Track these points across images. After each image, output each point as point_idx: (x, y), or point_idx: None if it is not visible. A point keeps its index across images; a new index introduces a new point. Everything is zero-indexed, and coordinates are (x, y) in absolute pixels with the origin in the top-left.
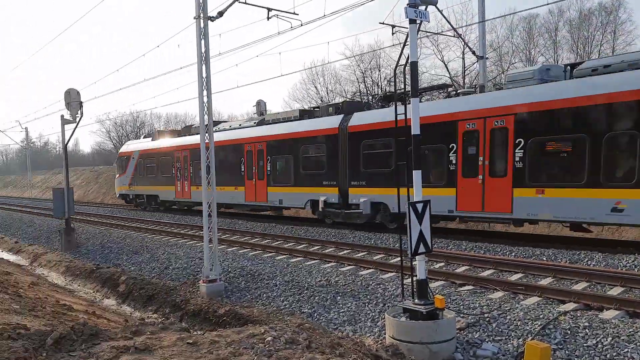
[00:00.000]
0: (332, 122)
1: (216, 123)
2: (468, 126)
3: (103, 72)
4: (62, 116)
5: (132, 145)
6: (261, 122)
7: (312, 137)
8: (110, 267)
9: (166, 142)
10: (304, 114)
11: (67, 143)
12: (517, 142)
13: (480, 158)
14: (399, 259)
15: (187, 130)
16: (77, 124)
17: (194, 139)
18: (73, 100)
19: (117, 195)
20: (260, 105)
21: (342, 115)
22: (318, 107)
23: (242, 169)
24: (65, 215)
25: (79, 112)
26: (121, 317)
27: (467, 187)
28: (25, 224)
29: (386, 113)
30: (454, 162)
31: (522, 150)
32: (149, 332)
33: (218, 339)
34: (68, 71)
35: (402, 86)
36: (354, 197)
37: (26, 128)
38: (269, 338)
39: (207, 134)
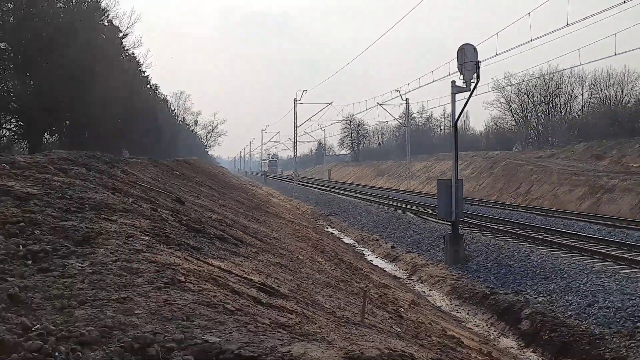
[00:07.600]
0: None
1: None
2: None
3: (504, 18)
4: (453, 82)
5: None
6: None
7: None
8: (509, 293)
9: None
10: None
11: (458, 119)
12: None
13: None
14: None
15: None
16: (472, 92)
17: None
18: (468, 61)
19: None
20: None
21: None
22: None
23: None
24: (452, 217)
25: (475, 75)
26: None
27: None
28: (403, 224)
29: None
30: None
31: None
32: None
33: None
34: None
35: None
36: None
37: (407, 99)
38: None
39: None
